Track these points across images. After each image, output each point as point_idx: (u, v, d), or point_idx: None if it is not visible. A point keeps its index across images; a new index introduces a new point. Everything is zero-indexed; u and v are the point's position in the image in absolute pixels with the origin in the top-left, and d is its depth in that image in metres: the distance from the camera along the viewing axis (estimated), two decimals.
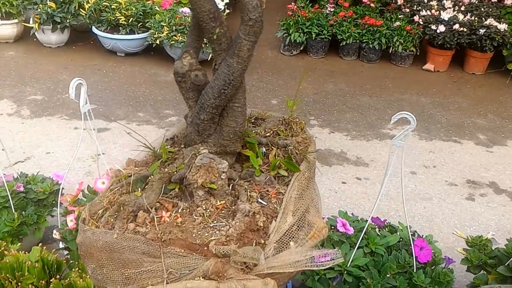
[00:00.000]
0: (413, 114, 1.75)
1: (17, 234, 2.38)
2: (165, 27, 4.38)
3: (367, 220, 2.17)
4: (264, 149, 1.60)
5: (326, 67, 5.01)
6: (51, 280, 1.99)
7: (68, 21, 4.49)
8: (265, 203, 1.40)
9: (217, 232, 1.34)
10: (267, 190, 1.44)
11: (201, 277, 1.32)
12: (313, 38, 5.04)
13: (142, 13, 4.53)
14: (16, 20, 4.58)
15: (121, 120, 3.68)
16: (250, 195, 1.40)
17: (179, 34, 4.35)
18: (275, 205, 1.40)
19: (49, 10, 4.39)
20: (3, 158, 2.76)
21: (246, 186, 1.45)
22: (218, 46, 1.42)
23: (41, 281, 1.99)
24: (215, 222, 1.37)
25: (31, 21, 4.49)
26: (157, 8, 4.68)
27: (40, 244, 2.14)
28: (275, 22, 5.40)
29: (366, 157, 3.64)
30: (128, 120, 3.72)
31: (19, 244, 2.27)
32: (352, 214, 2.47)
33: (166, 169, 1.45)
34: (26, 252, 2.12)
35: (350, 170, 3.48)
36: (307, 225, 1.44)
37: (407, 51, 5.02)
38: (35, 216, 2.42)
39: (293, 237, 1.38)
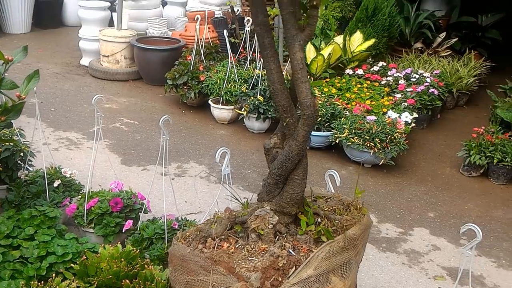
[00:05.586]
0: None
1: (163, 259, 3.08)
2: (346, 129, 4.96)
3: None
4: (319, 220, 2.01)
5: (502, 194, 4.94)
6: None
7: (270, 113, 5.40)
8: (293, 254, 1.81)
9: (250, 263, 1.79)
10: (301, 246, 1.85)
11: None
12: (494, 163, 5.05)
13: (330, 115, 5.20)
14: (232, 107, 5.66)
15: None
16: (284, 244, 1.83)
17: (356, 137, 4.87)
18: (301, 257, 1.80)
19: (257, 102, 5.36)
20: (184, 207, 3.58)
21: (286, 239, 1.88)
22: (288, 131, 1.94)
23: None
24: (253, 257, 1.83)
25: (242, 109, 5.51)
26: (346, 113, 5.31)
27: None
28: (459, 142, 5.54)
29: (504, 287, 3.56)
30: None
31: (160, 266, 2.96)
32: None
33: (234, 213, 1.97)
34: (161, 271, 2.80)
35: None
36: (326, 281, 1.79)
37: None
38: None
39: (309, 287, 1.75)
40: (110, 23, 7.56)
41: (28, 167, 3.77)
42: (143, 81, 6.91)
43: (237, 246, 1.90)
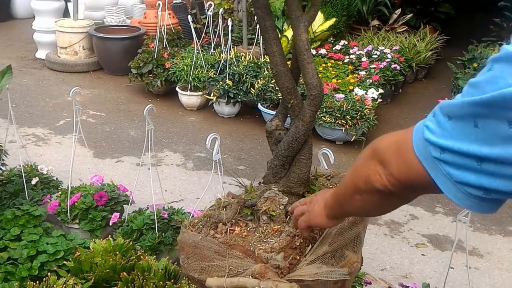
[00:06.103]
0: None
1: (155, 249, 3.06)
2: None
3: None
4: None
5: None
6: (167, 282, 2.60)
7: (239, 97, 5.39)
8: None
9: (267, 245, 1.81)
10: None
11: (250, 276, 1.79)
12: None
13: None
14: (200, 93, 5.62)
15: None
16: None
17: (327, 115, 4.94)
18: (315, 235, 1.83)
19: (226, 86, 5.34)
20: (165, 196, 3.55)
21: None
22: (292, 112, 1.95)
23: (160, 282, 2.61)
24: (268, 238, 1.85)
25: (211, 95, 5.49)
26: None
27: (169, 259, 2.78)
28: (423, 115, 5.70)
29: (483, 249, 3.72)
30: None
31: (154, 256, 2.94)
32: None
33: (243, 197, 1.98)
34: (156, 261, 2.79)
35: (462, 258, 3.60)
36: (341, 256, 1.83)
37: None
38: (171, 239, 3.09)
39: (326, 262, 1.79)
40: (65, 14, 7.32)
41: (1, 167, 3.65)
42: (104, 71, 6.74)
43: (248, 229, 1.91)
